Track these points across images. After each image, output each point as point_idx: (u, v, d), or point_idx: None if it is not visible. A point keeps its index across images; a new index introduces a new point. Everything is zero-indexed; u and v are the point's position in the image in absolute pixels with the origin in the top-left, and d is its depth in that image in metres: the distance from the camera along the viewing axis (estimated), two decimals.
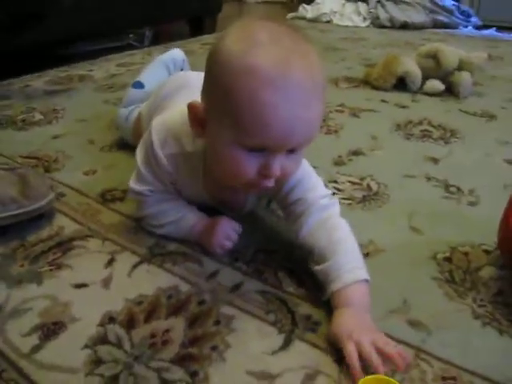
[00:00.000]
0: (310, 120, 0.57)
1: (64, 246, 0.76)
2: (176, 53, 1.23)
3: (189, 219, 0.74)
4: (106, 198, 0.89)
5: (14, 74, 1.68)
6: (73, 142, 1.15)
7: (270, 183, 0.60)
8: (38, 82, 1.66)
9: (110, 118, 1.27)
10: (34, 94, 1.52)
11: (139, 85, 1.11)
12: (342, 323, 0.57)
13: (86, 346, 0.57)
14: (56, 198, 0.86)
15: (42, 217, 0.82)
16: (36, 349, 0.57)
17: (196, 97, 0.64)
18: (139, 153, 0.72)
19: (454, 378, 0.53)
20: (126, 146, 1.07)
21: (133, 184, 0.73)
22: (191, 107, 0.62)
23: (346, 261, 0.62)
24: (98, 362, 0.55)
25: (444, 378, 0.53)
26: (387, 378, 0.50)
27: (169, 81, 1.00)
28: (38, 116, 1.32)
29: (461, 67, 1.46)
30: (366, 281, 0.61)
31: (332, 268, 0.62)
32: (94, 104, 1.41)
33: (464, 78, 1.44)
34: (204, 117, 0.61)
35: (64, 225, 0.82)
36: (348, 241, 0.65)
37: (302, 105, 0.55)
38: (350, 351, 0.53)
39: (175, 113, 0.72)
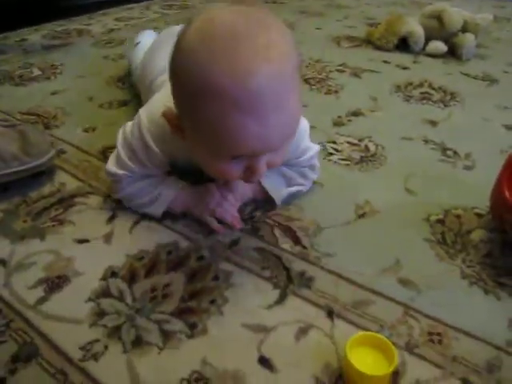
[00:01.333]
0: (287, 121, 0.53)
1: (65, 202, 0.78)
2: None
3: (167, 195, 0.72)
4: (107, 155, 0.89)
5: (10, 28, 1.65)
6: (72, 98, 1.14)
7: (258, 177, 0.60)
8: (34, 36, 1.63)
9: (109, 74, 1.26)
10: (31, 49, 1.50)
11: (137, 44, 1.16)
12: None
13: (90, 299, 0.60)
14: (56, 154, 0.87)
15: (42, 173, 0.83)
16: (41, 301, 0.60)
17: None
18: (124, 142, 0.70)
19: (439, 334, 0.56)
20: (126, 102, 1.06)
21: (111, 166, 0.71)
22: (165, 116, 0.60)
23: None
24: (101, 313, 0.58)
25: (430, 334, 0.56)
26: (375, 334, 0.53)
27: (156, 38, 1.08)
28: (36, 71, 1.31)
29: (465, 29, 1.44)
30: None
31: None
32: (92, 59, 1.40)
33: (467, 39, 1.41)
34: (180, 124, 0.59)
35: (65, 181, 0.83)
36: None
37: (273, 112, 0.51)
38: None
39: (164, 103, 0.65)
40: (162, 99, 0.67)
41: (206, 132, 0.54)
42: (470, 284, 0.63)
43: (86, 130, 0.99)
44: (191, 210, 0.73)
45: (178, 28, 0.98)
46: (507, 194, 0.64)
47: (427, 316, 0.58)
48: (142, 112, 0.69)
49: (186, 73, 0.52)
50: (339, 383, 0.50)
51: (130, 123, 0.71)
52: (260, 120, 0.50)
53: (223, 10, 0.53)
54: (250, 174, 0.58)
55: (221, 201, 0.72)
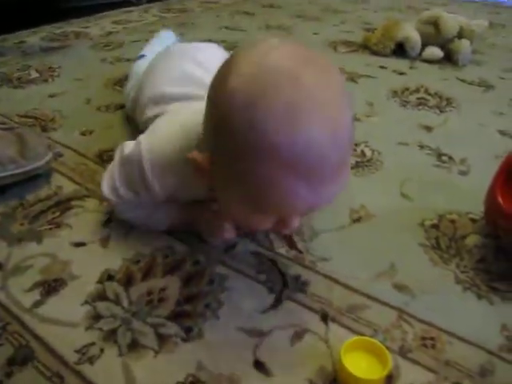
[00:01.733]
0: (338, 190, 0.50)
1: (62, 205, 0.78)
2: (168, 33, 1.25)
3: (166, 218, 0.70)
4: (104, 158, 0.90)
5: (8, 30, 1.66)
6: (69, 101, 1.15)
7: (290, 231, 0.59)
8: (33, 38, 1.64)
9: (107, 77, 1.26)
10: (29, 51, 1.50)
11: (141, 56, 1.10)
12: None
13: (86, 302, 0.60)
14: (54, 157, 0.87)
15: (39, 176, 0.84)
16: (38, 304, 0.60)
17: (173, 63, 0.65)
18: (119, 169, 0.66)
19: (432, 338, 0.56)
20: (124, 106, 1.07)
21: (105, 189, 0.67)
22: (194, 160, 0.54)
23: None
24: (97, 317, 0.58)
25: (423, 338, 0.56)
26: (370, 338, 0.53)
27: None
28: (34, 74, 1.31)
29: (461, 35, 1.45)
30: None
31: None
32: (90, 62, 1.40)
33: (463, 45, 1.43)
34: (208, 167, 0.53)
35: (62, 185, 0.83)
36: None
37: (329, 183, 0.47)
38: None
39: (169, 133, 0.63)
40: (169, 133, 0.63)
41: (247, 188, 0.48)
42: (463, 289, 0.64)
43: (83, 133, 1.00)
44: (195, 228, 0.70)
45: (182, 46, 0.97)
46: (500, 199, 0.65)
47: (421, 320, 0.59)
48: (144, 142, 0.63)
49: (236, 126, 0.46)
50: None
51: (129, 145, 0.66)
52: (314, 190, 0.46)
53: (282, 52, 0.48)
54: (281, 227, 0.56)
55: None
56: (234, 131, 0.46)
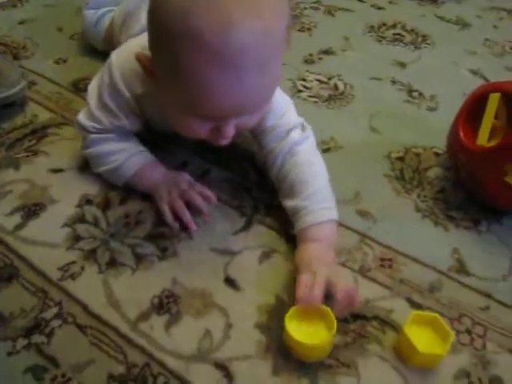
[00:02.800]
0: (265, 86, 0.51)
1: (38, 133, 0.79)
2: None
3: (135, 163, 0.65)
4: (79, 87, 0.90)
5: None
6: (41, 28, 1.11)
7: (225, 141, 0.57)
8: None
9: (79, 4, 1.21)
10: None
11: None
12: (304, 256, 0.56)
13: (66, 225, 0.63)
14: (27, 86, 0.86)
15: (14, 105, 0.83)
16: (19, 227, 0.63)
17: None
18: (93, 90, 0.65)
19: (390, 260, 0.62)
20: None
21: (80, 117, 0.66)
22: (139, 58, 0.55)
23: (317, 199, 0.60)
24: (77, 238, 0.61)
25: (382, 259, 0.62)
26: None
27: None
28: None
29: None
30: (336, 221, 0.60)
31: (302, 205, 0.60)
32: None
33: None
34: (153, 70, 0.55)
35: (37, 113, 0.83)
36: (320, 178, 0.63)
37: (255, 72, 0.48)
38: (301, 279, 0.52)
39: (136, 44, 0.62)
40: (138, 41, 0.62)
41: (178, 81, 0.50)
42: (422, 217, 0.68)
43: (56, 62, 0.98)
44: (153, 191, 0.65)
45: None
46: (462, 134, 0.68)
47: (381, 244, 0.64)
48: (114, 53, 0.64)
49: (164, 11, 0.48)
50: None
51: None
52: (239, 78, 0.47)
53: None
54: (217, 136, 0.56)
55: (189, 188, 0.64)
56: (161, 16, 0.49)
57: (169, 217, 0.62)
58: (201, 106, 0.51)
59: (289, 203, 0.62)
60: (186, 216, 0.62)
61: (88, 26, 0.97)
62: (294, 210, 0.61)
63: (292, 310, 0.51)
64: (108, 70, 0.63)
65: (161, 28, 0.49)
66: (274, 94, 0.58)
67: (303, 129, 0.66)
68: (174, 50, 0.48)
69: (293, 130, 0.65)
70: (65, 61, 0.98)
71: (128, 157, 0.65)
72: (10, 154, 0.74)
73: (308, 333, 0.50)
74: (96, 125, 0.64)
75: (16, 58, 0.99)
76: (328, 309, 0.51)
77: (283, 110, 0.65)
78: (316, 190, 0.61)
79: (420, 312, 0.53)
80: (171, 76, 0.51)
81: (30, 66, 0.96)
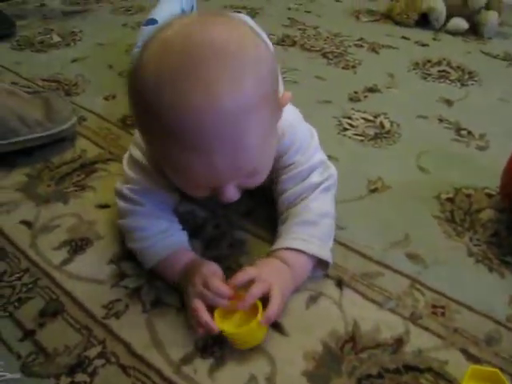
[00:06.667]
0: (240, 158, 0.47)
1: (87, 168, 0.81)
2: None
3: (168, 245, 0.60)
4: (126, 122, 0.92)
5: None
6: (92, 65, 1.16)
7: (231, 200, 0.53)
8: (53, 1, 1.64)
9: (128, 42, 1.26)
10: (50, 15, 1.51)
11: (152, 21, 1.05)
12: (262, 265, 0.56)
13: (111, 261, 0.63)
14: (78, 121, 0.89)
15: (64, 140, 0.86)
16: (66, 261, 0.64)
17: None
18: (126, 157, 0.65)
19: (442, 307, 0.59)
20: None
21: (117, 183, 0.64)
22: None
23: (303, 230, 0.59)
24: (122, 275, 0.61)
25: (434, 306, 0.59)
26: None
27: None
28: (56, 38, 1.33)
29: (489, 6, 1.41)
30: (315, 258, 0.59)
31: (288, 230, 0.60)
32: (111, 27, 1.41)
33: (490, 17, 1.39)
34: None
35: (86, 148, 0.86)
36: (323, 218, 0.61)
37: (219, 152, 0.46)
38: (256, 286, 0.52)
39: None
40: None
41: (162, 163, 0.52)
42: (475, 261, 0.65)
43: (106, 98, 1.01)
44: (184, 283, 0.57)
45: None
46: None
47: (432, 289, 0.61)
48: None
49: (136, 100, 0.48)
50: (346, 348, 0.53)
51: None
52: (204, 159, 0.46)
53: (179, 26, 0.47)
54: (219, 196, 0.53)
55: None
56: (135, 106, 0.49)
57: (202, 313, 0.52)
58: (185, 181, 0.53)
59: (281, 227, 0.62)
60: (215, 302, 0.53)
61: None
62: (282, 231, 0.61)
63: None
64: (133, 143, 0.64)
65: (135, 108, 0.50)
66: (295, 129, 0.59)
67: (325, 168, 0.64)
68: (148, 137, 0.51)
69: (315, 170, 0.63)
70: (113, 97, 1.02)
71: (157, 236, 0.60)
72: (60, 188, 0.76)
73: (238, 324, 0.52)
74: (130, 185, 0.61)
75: (68, 94, 1.03)
76: (258, 302, 0.52)
77: (306, 144, 0.64)
78: (310, 225, 0.60)
79: (479, 366, 0.50)
80: (155, 156, 0.54)
81: (80, 102, 0.99)
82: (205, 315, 0.51)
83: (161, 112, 0.45)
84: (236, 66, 0.45)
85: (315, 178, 0.63)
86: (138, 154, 0.61)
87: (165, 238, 0.60)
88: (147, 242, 0.59)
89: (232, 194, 0.52)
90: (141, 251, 0.60)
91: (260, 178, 0.54)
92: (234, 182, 0.52)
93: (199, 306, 0.52)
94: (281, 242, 0.59)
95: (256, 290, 0.52)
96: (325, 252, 0.60)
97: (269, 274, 0.54)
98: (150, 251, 0.59)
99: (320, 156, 0.65)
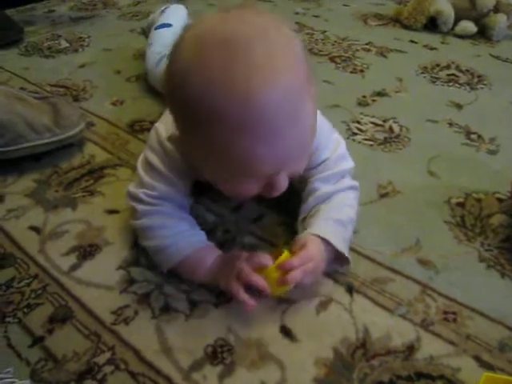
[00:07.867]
0: (298, 137, 0.49)
1: (95, 173, 0.81)
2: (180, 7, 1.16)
3: (185, 247, 0.59)
4: (135, 128, 0.92)
5: None
6: (100, 71, 1.16)
7: (279, 192, 0.54)
8: (61, 7, 1.65)
9: (136, 47, 1.27)
10: (58, 21, 1.52)
11: (165, 25, 1.06)
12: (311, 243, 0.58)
13: (120, 267, 0.63)
14: (86, 127, 0.89)
15: (73, 145, 0.86)
16: (75, 267, 0.63)
17: None
18: (141, 162, 0.65)
19: (454, 313, 0.58)
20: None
21: (131, 187, 0.64)
22: (172, 141, 0.59)
23: (335, 228, 0.61)
24: (131, 281, 0.61)
25: (445, 312, 0.58)
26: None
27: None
28: (63, 44, 1.33)
29: (497, 9, 1.40)
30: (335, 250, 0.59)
31: (321, 223, 0.61)
32: (119, 32, 1.41)
33: (499, 20, 1.38)
34: (185, 150, 0.57)
35: (94, 153, 0.86)
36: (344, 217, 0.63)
37: (281, 132, 0.47)
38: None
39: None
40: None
41: (213, 159, 0.51)
42: (487, 267, 0.64)
43: (114, 104, 1.02)
44: (217, 279, 0.58)
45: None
46: None
47: (443, 295, 0.60)
48: (159, 121, 0.65)
49: (183, 99, 0.48)
50: (357, 355, 0.53)
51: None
52: (268, 142, 0.47)
53: (215, 19, 0.49)
54: (270, 191, 0.54)
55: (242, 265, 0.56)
56: (180, 104, 0.49)
57: (241, 292, 0.55)
58: (245, 173, 0.51)
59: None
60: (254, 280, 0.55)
61: (151, 67, 1.00)
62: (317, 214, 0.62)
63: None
64: (156, 137, 0.63)
65: (184, 113, 0.50)
66: (321, 130, 0.60)
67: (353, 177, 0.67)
68: (200, 132, 0.49)
69: (346, 176, 0.66)
70: (122, 102, 1.02)
71: (180, 234, 0.60)
72: (68, 193, 0.76)
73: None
74: (147, 190, 0.61)
75: (76, 99, 1.03)
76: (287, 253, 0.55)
77: (333, 144, 0.67)
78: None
79: (492, 374, 0.49)
80: (203, 155, 0.52)
81: (88, 108, 1.00)
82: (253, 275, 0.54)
83: (217, 105, 0.45)
84: (279, 47, 0.47)
85: (347, 182, 0.66)
86: (154, 158, 0.62)
87: (188, 236, 0.60)
88: (169, 240, 0.59)
89: (285, 182, 0.53)
90: (161, 249, 0.59)
91: (303, 165, 0.56)
92: (290, 168, 0.53)
93: (246, 269, 0.55)
94: (317, 229, 0.60)
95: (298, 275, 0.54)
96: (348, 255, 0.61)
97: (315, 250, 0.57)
98: (171, 249, 0.59)
99: (351, 163, 0.68)
